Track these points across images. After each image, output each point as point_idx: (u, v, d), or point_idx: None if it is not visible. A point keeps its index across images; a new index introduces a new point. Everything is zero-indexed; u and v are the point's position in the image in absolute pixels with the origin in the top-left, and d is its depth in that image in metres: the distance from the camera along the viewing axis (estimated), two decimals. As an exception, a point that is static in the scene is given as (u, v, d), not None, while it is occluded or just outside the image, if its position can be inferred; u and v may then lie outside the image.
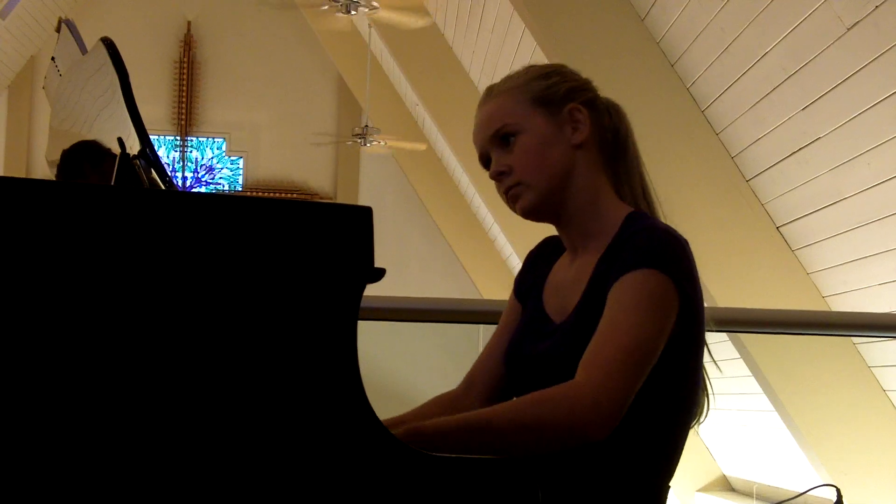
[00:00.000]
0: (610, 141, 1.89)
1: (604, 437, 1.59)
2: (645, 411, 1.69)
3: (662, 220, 1.88)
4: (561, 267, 1.92)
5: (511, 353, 1.90)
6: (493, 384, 1.94)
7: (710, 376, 1.88)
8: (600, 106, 1.89)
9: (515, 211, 1.88)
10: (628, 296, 1.68)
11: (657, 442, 1.77)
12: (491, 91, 1.90)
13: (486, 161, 1.90)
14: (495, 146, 1.86)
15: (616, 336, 1.64)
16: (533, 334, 1.87)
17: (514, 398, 1.80)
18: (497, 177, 1.86)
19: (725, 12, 4.67)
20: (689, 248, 1.78)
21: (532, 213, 1.86)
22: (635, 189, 1.89)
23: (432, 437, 1.55)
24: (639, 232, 1.75)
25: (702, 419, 1.87)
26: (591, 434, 1.58)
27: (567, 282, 1.86)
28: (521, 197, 1.85)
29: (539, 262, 1.98)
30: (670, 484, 1.82)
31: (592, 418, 1.58)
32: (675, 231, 1.79)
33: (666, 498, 1.81)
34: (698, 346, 1.79)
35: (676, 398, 1.78)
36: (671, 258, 1.72)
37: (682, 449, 1.82)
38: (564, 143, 1.84)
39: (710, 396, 1.87)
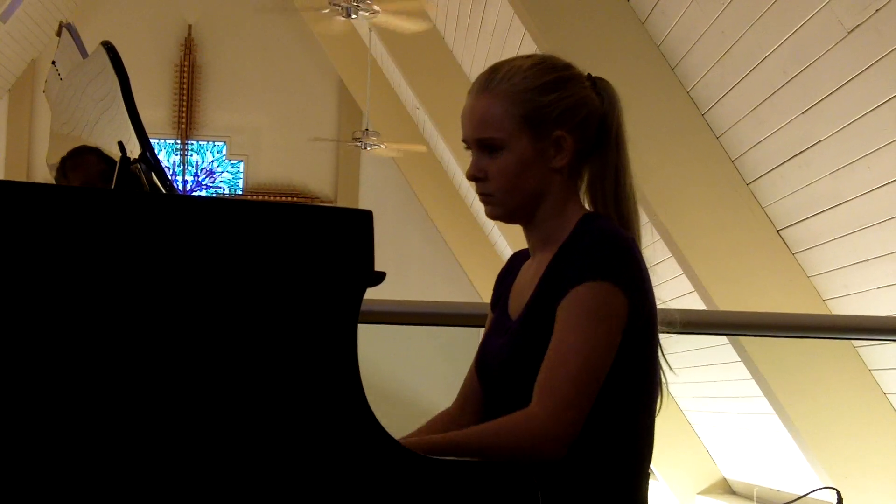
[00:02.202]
0: (594, 146, 1.90)
1: (560, 457, 1.69)
2: (613, 411, 1.77)
3: (636, 218, 1.92)
4: (523, 270, 1.98)
5: (479, 354, 1.98)
6: (482, 400, 1.98)
7: (667, 365, 1.93)
8: (591, 117, 1.89)
9: (484, 211, 1.94)
10: (576, 313, 1.74)
11: (628, 435, 1.82)
12: (491, 79, 1.88)
13: (468, 144, 1.92)
14: (478, 148, 1.89)
15: (566, 360, 1.71)
16: (495, 334, 1.94)
17: (490, 409, 1.89)
18: (472, 179, 1.91)
19: (726, 16, 4.67)
20: (637, 248, 1.82)
21: (499, 220, 1.93)
22: (607, 190, 1.91)
23: None
24: (585, 237, 1.80)
25: (659, 407, 1.91)
26: (548, 457, 1.69)
27: (525, 282, 1.92)
28: (491, 206, 1.91)
29: (507, 276, 2.04)
30: (662, 478, 1.87)
31: (548, 447, 1.68)
32: (623, 233, 1.83)
33: (647, 486, 1.86)
34: (653, 342, 1.85)
35: (638, 394, 1.83)
36: (616, 265, 1.76)
37: (652, 438, 1.88)
38: (543, 166, 1.87)
39: (665, 388, 1.91)
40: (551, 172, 1.88)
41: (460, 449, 1.66)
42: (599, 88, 1.92)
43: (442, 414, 2.03)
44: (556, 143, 1.86)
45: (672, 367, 1.91)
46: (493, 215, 1.92)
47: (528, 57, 1.92)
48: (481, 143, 1.88)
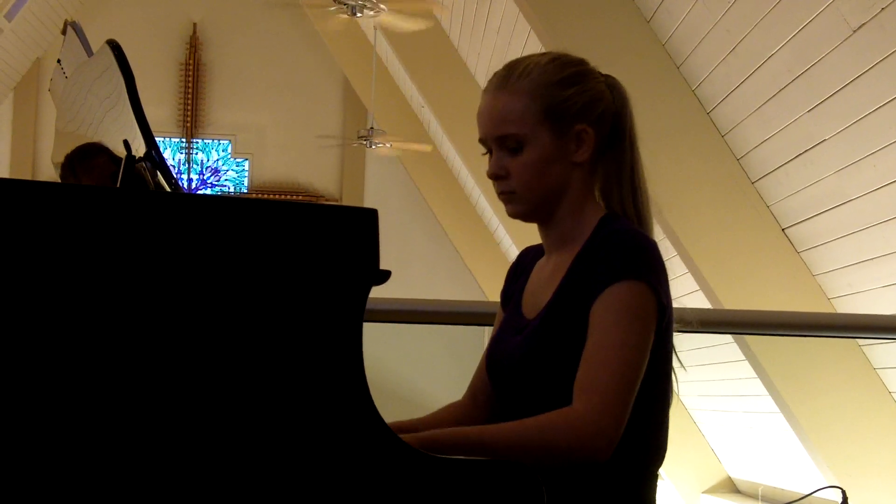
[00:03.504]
0: (607, 145, 1.90)
1: (607, 457, 1.66)
2: (632, 411, 1.74)
3: (652, 218, 1.92)
4: (538, 269, 1.97)
5: (490, 352, 1.96)
6: (493, 396, 1.97)
7: (679, 362, 1.92)
8: (607, 113, 1.89)
9: (506, 209, 1.92)
10: (613, 312, 1.73)
11: (640, 435, 1.80)
12: (508, 76, 1.87)
13: (485, 144, 1.91)
14: (498, 146, 1.87)
15: (608, 358, 1.69)
16: (508, 332, 1.92)
17: (503, 406, 1.86)
18: (494, 177, 1.89)
19: (731, 14, 4.67)
20: (658, 249, 1.82)
21: (520, 219, 1.91)
22: (624, 189, 1.91)
23: (441, 447, 1.59)
24: (612, 238, 1.79)
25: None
26: (596, 458, 1.65)
27: (542, 281, 1.91)
28: (512, 203, 1.88)
29: (519, 272, 2.03)
30: (667, 477, 1.87)
31: (597, 444, 1.65)
32: (646, 235, 1.84)
33: (656, 487, 1.86)
34: (670, 344, 1.85)
35: (655, 393, 1.82)
36: (647, 265, 1.76)
37: (666, 438, 1.87)
38: (565, 160, 1.86)
39: (676, 384, 1.91)
40: (573, 167, 1.86)
41: (498, 446, 1.63)
42: (611, 86, 1.92)
43: (452, 405, 2.02)
44: (577, 137, 1.85)
45: (676, 368, 1.91)
46: (514, 213, 1.89)
47: (543, 54, 1.91)
48: (501, 141, 1.86)
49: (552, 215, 1.89)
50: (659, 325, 1.77)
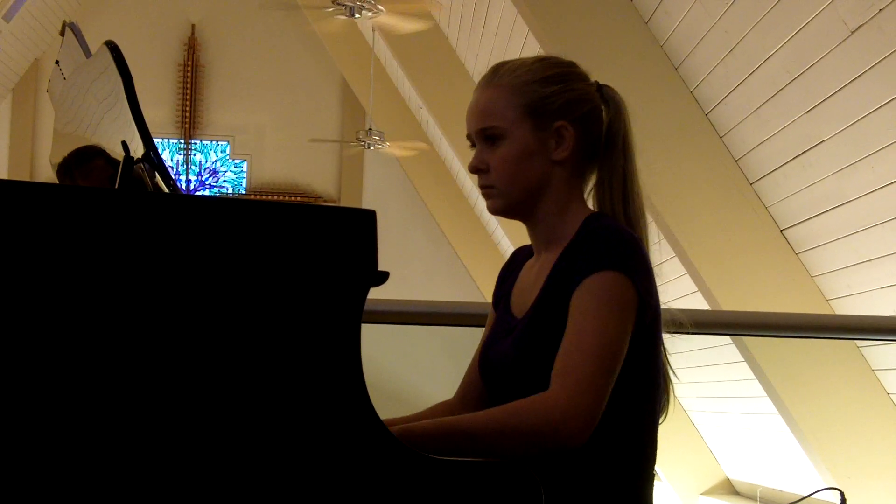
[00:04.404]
0: (597, 148, 1.92)
1: (582, 443, 1.65)
2: (618, 407, 1.74)
3: (644, 227, 1.92)
4: (526, 269, 1.98)
5: (482, 354, 1.97)
6: (483, 395, 1.98)
7: (672, 368, 1.92)
8: (594, 116, 1.91)
9: (486, 205, 1.94)
10: (590, 301, 1.73)
11: (633, 435, 1.81)
12: (495, 74, 1.91)
13: (471, 140, 1.94)
14: (480, 140, 1.90)
15: (583, 343, 1.70)
16: (499, 333, 1.94)
17: (494, 406, 1.85)
18: (474, 171, 1.92)
19: (729, 15, 4.67)
20: (644, 248, 1.83)
21: (499, 214, 1.93)
22: (615, 195, 1.92)
23: (420, 438, 1.60)
24: (594, 232, 1.81)
25: (666, 412, 1.90)
26: (570, 442, 1.65)
27: (530, 281, 1.92)
28: (492, 199, 1.91)
29: (509, 272, 2.04)
30: (665, 478, 1.86)
31: (569, 427, 1.65)
32: (631, 231, 1.84)
33: (652, 488, 1.86)
34: (657, 340, 1.85)
35: (643, 391, 1.82)
36: (626, 257, 1.77)
37: (656, 438, 1.87)
38: (544, 157, 1.88)
39: (672, 388, 1.92)
40: (553, 165, 1.88)
41: (474, 432, 1.64)
42: (605, 95, 1.93)
43: (443, 403, 2.03)
44: (557, 134, 1.87)
45: (675, 369, 1.91)
46: (493, 209, 1.92)
47: (533, 56, 1.94)
48: (483, 134, 1.89)
49: (532, 213, 1.91)
50: (641, 320, 1.77)
